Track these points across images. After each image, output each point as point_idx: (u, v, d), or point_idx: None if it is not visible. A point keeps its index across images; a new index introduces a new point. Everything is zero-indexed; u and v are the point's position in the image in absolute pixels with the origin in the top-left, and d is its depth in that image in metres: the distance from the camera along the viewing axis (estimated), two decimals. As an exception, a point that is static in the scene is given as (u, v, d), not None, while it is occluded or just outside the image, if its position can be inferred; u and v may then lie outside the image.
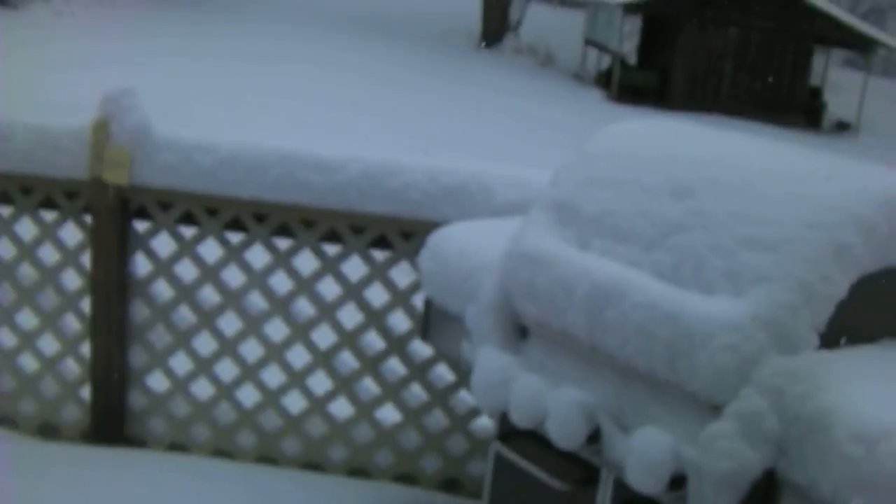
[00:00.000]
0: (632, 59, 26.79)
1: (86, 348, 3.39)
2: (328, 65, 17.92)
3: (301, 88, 14.84)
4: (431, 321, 2.66)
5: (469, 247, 2.52)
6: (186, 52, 16.59)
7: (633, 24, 27.54)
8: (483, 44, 26.67)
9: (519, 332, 2.29)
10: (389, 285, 3.18)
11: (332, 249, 3.19)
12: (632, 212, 2.09)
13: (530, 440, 2.20)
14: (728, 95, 23.69)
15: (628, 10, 23.50)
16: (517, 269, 2.19)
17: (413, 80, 18.00)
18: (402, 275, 3.22)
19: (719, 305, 1.80)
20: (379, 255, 3.21)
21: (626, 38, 25.74)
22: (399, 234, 3.12)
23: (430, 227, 2.93)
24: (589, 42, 26.99)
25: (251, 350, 3.28)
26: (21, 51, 14.95)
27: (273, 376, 3.29)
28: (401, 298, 3.18)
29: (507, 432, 2.29)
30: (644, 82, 23.77)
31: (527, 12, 28.76)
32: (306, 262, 3.18)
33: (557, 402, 2.02)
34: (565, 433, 2.00)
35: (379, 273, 3.16)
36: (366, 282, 3.19)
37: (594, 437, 2.01)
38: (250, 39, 19.71)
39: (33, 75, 12.49)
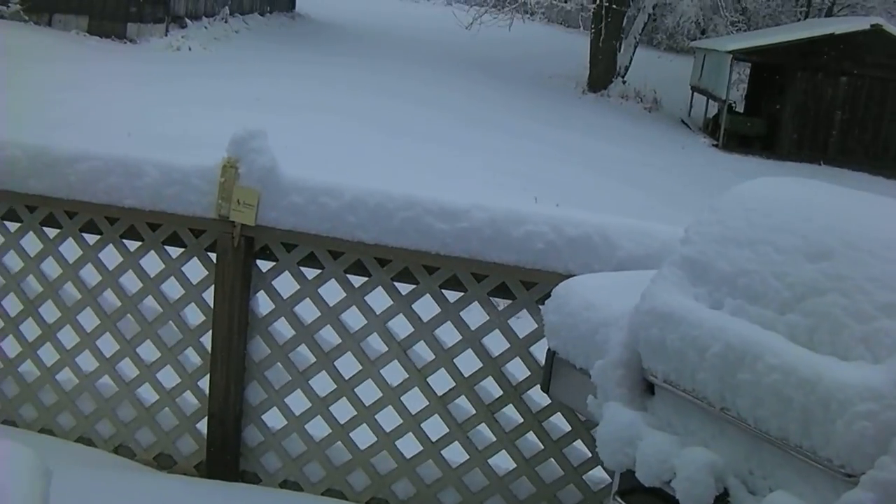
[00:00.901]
0: (740, 107, 26.74)
1: (205, 382, 3.57)
2: (435, 104, 18.33)
3: (407, 127, 15.16)
4: (554, 372, 2.74)
5: (596, 300, 2.60)
6: (295, 88, 17.07)
7: (742, 71, 27.53)
8: (590, 89, 26.96)
9: (646, 389, 2.35)
10: (508, 333, 3.27)
11: (452, 295, 3.30)
12: (766, 272, 2.15)
13: (652, 498, 2.26)
14: (837, 145, 23.52)
15: (737, 57, 23.51)
16: (647, 326, 2.26)
17: (519, 124, 18.30)
18: (521, 323, 3.31)
19: (858, 372, 1.84)
20: (498, 302, 3.31)
21: (734, 84, 25.74)
22: (520, 283, 3.22)
23: (552, 277, 3.04)
24: (696, 89, 27.08)
25: (368, 391, 3.41)
26: (139, 84, 15.59)
27: (388, 418, 3.41)
28: (519, 347, 3.26)
29: (629, 489, 2.35)
30: (752, 130, 23.74)
31: (634, 58, 28.95)
32: (427, 306, 3.30)
33: (686, 462, 2.08)
34: (693, 494, 2.05)
35: (499, 320, 3.26)
36: (485, 329, 3.29)
37: (722, 498, 2.06)
38: (360, 75, 20.22)
39: (152, 110, 13.03)
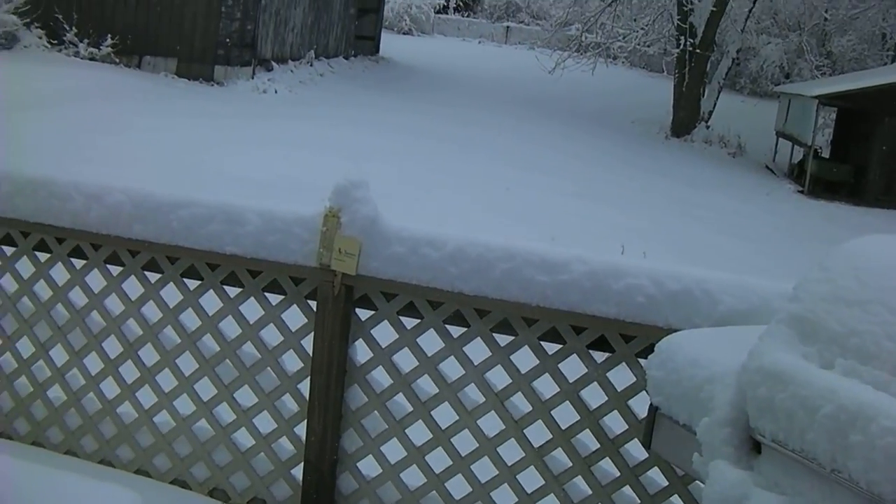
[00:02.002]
0: (826, 152, 26.58)
1: (301, 429, 3.71)
2: (517, 148, 18.58)
3: (487, 169, 15.39)
4: (656, 428, 2.82)
5: (700, 356, 2.68)
6: (376, 133, 17.44)
7: (827, 116, 27.41)
8: (673, 134, 27.11)
9: (753, 448, 2.42)
10: (607, 386, 3.36)
11: (551, 347, 3.40)
12: (879, 333, 2.22)
13: (758, 557, 2.32)
14: (926, 192, 23.21)
15: (823, 101, 23.43)
16: (755, 385, 2.34)
17: (603, 169, 18.45)
18: (619, 375, 3.39)
19: (973, 438, 1.91)
20: (596, 354, 3.41)
21: (820, 129, 25.64)
22: (619, 336, 3.31)
23: (652, 330, 3.14)
24: (781, 134, 27.04)
25: (464, 441, 3.52)
26: (225, 127, 16.10)
27: (484, 469, 3.52)
28: (617, 400, 3.35)
29: (735, 547, 2.41)
30: (838, 176, 23.58)
31: (717, 102, 29.03)
32: (525, 358, 3.40)
33: (796, 523, 2.15)
34: (803, 555, 2.12)
35: (597, 373, 3.35)
36: (583, 381, 3.38)
37: (831, 560, 2.12)
38: (440, 120, 20.59)
39: (236, 151, 13.44)
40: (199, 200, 3.73)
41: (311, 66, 27.29)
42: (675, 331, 3.04)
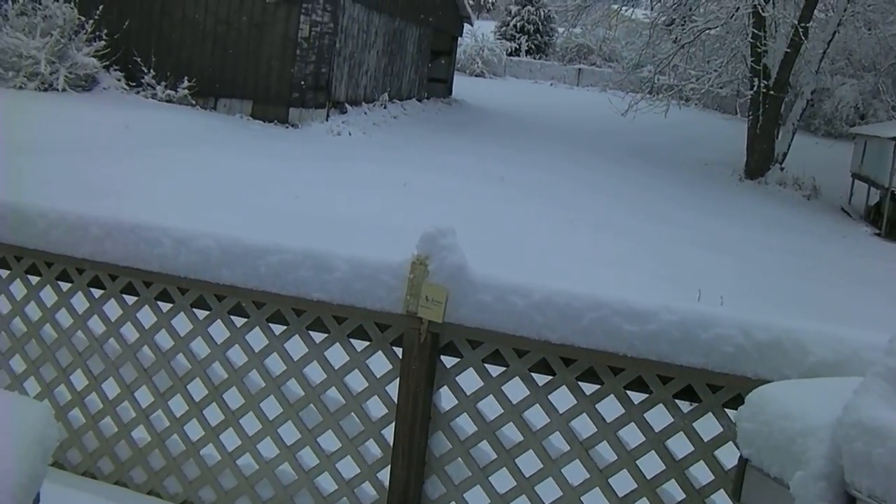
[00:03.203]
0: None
1: (385, 475, 3.82)
2: (589, 190, 18.75)
3: (560, 214, 15.52)
4: (746, 480, 2.89)
5: (792, 409, 2.75)
6: (449, 175, 17.71)
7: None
8: (747, 176, 27.12)
9: (849, 503, 2.48)
10: (693, 436, 3.43)
11: (636, 396, 3.48)
12: (976, 391, 2.28)
13: None
14: None
15: (901, 143, 23.29)
16: (851, 439, 2.40)
17: (676, 211, 18.58)
18: (706, 425, 3.46)
19: None
20: (682, 404, 3.48)
21: (897, 171, 25.43)
22: (706, 386, 3.38)
23: (740, 381, 3.21)
24: (857, 175, 26.89)
25: (548, 490, 3.61)
26: (301, 168, 16.52)
27: (569, 519, 3.59)
28: (704, 450, 3.42)
29: None
30: (916, 219, 23.35)
31: (792, 144, 28.98)
32: (610, 407, 3.49)
33: (894, 579, 2.21)
34: None
35: (683, 423, 3.43)
36: (669, 431, 3.45)
37: None
38: (516, 164, 20.84)
39: (311, 192, 13.78)
40: (287, 247, 3.88)
41: (384, 108, 27.94)
42: (764, 382, 3.12)
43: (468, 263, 3.61)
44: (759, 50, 27.18)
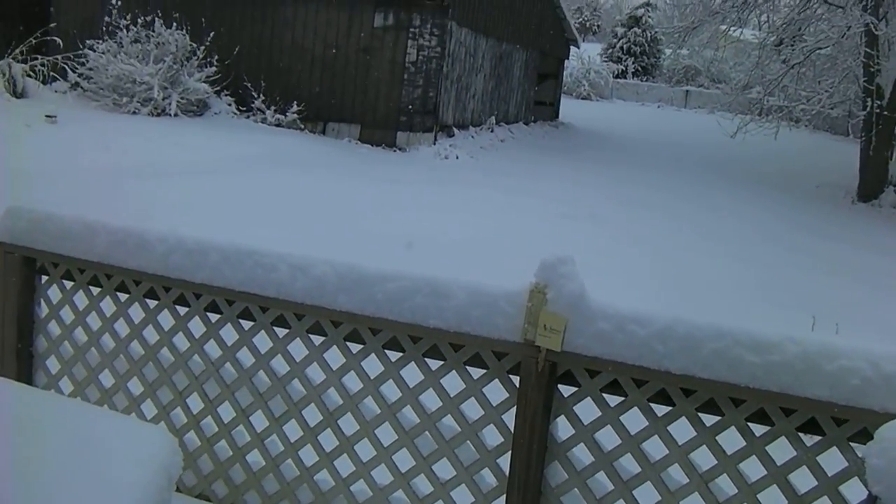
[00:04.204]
0: None
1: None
2: (698, 216, 18.70)
3: (670, 235, 15.51)
4: (876, 517, 2.89)
5: (924, 445, 2.76)
6: (558, 200, 17.81)
7: None
8: (860, 199, 26.71)
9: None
10: (817, 471, 3.44)
11: (758, 428, 3.51)
12: None
13: None
14: None
15: None
16: None
17: (787, 235, 18.38)
18: (829, 460, 3.47)
19: None
20: (803, 436, 3.49)
21: None
22: (831, 420, 3.39)
23: (866, 414, 3.22)
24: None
25: (666, 523, 3.64)
26: (413, 194, 16.84)
27: (687, 553, 3.63)
28: (828, 485, 3.42)
29: None
30: None
31: (907, 165, 28.46)
32: (731, 439, 3.52)
33: None
34: None
35: (806, 457, 3.44)
36: (792, 465, 3.47)
37: None
38: (625, 185, 20.89)
39: (421, 216, 14.05)
40: (404, 273, 3.99)
41: (491, 131, 28.31)
42: (892, 416, 3.12)
43: (587, 292, 3.67)
44: (871, 69, 26.72)
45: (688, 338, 3.49)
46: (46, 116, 19.12)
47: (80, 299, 4.95)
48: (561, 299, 3.64)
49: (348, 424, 4.24)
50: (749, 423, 3.54)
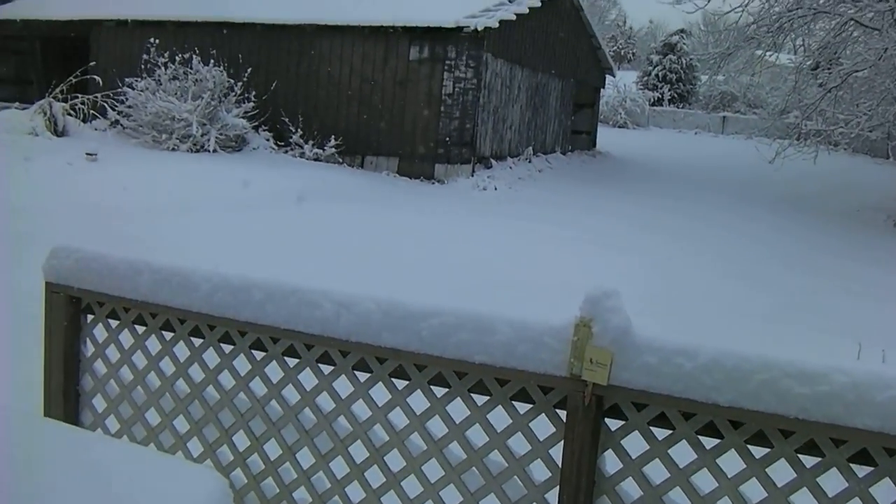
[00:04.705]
0: None
1: (549, 539, 3.89)
2: (739, 240, 18.65)
3: (710, 271, 15.48)
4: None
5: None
6: (590, 228, 17.86)
7: None
8: None
9: None
10: (869, 502, 3.42)
11: (807, 460, 3.49)
12: None
13: None
14: None
15: None
16: None
17: (828, 260, 18.23)
18: (882, 491, 3.45)
19: None
20: (854, 467, 3.48)
21: None
22: (883, 450, 3.38)
23: (919, 445, 3.20)
24: None
25: (718, 559, 3.63)
26: (452, 222, 16.98)
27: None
28: (882, 517, 3.41)
29: None
30: None
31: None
32: (781, 471, 3.51)
33: None
34: None
35: (859, 488, 3.42)
36: (844, 497, 3.45)
37: None
38: (666, 213, 20.92)
39: (462, 249, 14.13)
40: (448, 309, 4.01)
41: (529, 162, 28.51)
42: (945, 447, 3.11)
43: (632, 325, 3.68)
44: (910, 90, 26.60)
45: (735, 370, 3.49)
46: (87, 154, 19.39)
47: (126, 338, 5.01)
48: (607, 333, 3.65)
49: (395, 461, 4.26)
50: (798, 455, 3.53)
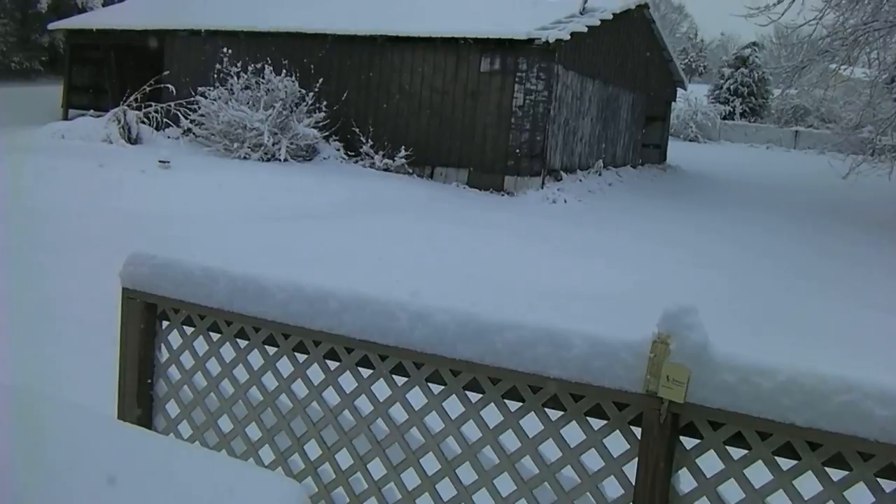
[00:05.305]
0: None
1: (622, 556, 3.88)
2: (816, 261, 18.50)
3: (790, 285, 15.36)
4: None
5: None
6: (669, 244, 17.83)
7: None
8: None
9: None
10: (952, 528, 3.38)
11: (887, 484, 3.46)
12: None
13: None
14: None
15: None
16: None
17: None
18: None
19: None
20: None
21: None
22: (967, 475, 3.34)
23: None
24: None
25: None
26: (520, 236, 17.00)
27: None
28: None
29: None
30: None
31: None
32: (860, 495, 3.47)
33: None
34: None
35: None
36: (924, 523, 3.42)
37: None
38: (724, 226, 20.86)
39: (531, 260, 14.18)
40: (524, 323, 4.03)
41: (599, 175, 28.53)
42: None
43: (710, 342, 3.67)
44: None
45: (814, 390, 3.46)
46: (160, 162, 19.70)
47: (200, 344, 5.09)
48: (684, 350, 3.65)
49: (466, 474, 4.28)
50: (878, 479, 3.49)
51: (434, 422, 4.35)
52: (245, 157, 23.17)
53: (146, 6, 36.06)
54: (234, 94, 24.61)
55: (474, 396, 4.25)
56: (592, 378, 3.85)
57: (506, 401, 4.16)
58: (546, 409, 4.07)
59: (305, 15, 28.37)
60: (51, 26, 37.20)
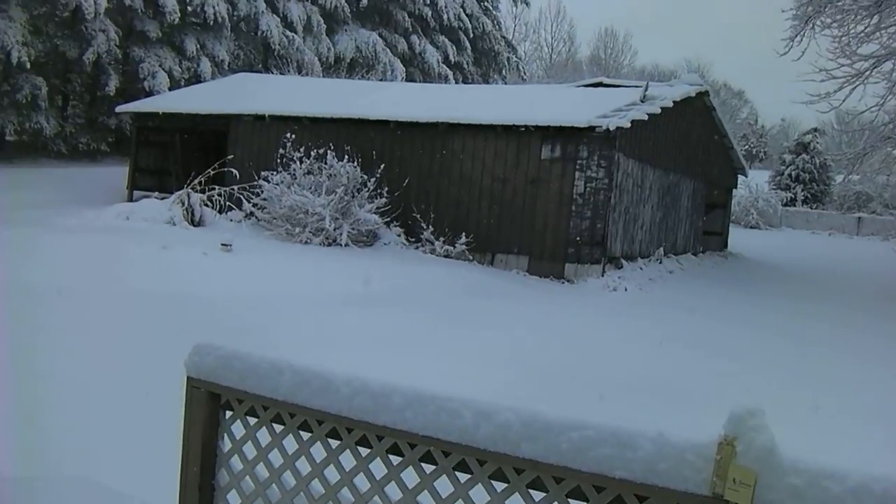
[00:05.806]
0: None
1: None
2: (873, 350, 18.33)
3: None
4: None
5: None
6: (733, 333, 17.67)
7: None
8: None
9: None
10: None
11: None
12: None
13: None
14: None
15: None
16: None
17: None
18: None
19: None
20: None
21: None
22: None
23: None
24: None
25: None
26: (587, 323, 17.03)
27: None
28: None
29: None
30: None
31: None
32: None
33: None
34: None
35: None
36: None
37: None
38: (803, 319, 20.61)
39: (592, 350, 14.20)
40: (589, 423, 4.03)
41: (659, 263, 28.50)
42: None
43: (777, 445, 3.65)
44: None
45: (885, 496, 3.42)
46: (222, 245, 19.97)
47: (263, 435, 5.13)
48: (751, 452, 3.62)
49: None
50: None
51: (496, 519, 4.34)
52: (306, 242, 23.43)
53: (212, 91, 36.89)
54: (296, 178, 24.96)
55: (537, 495, 4.24)
56: (658, 479, 3.83)
57: (570, 500, 4.15)
58: (611, 510, 4.06)
59: (367, 102, 28.87)
60: (118, 109, 38.01)
